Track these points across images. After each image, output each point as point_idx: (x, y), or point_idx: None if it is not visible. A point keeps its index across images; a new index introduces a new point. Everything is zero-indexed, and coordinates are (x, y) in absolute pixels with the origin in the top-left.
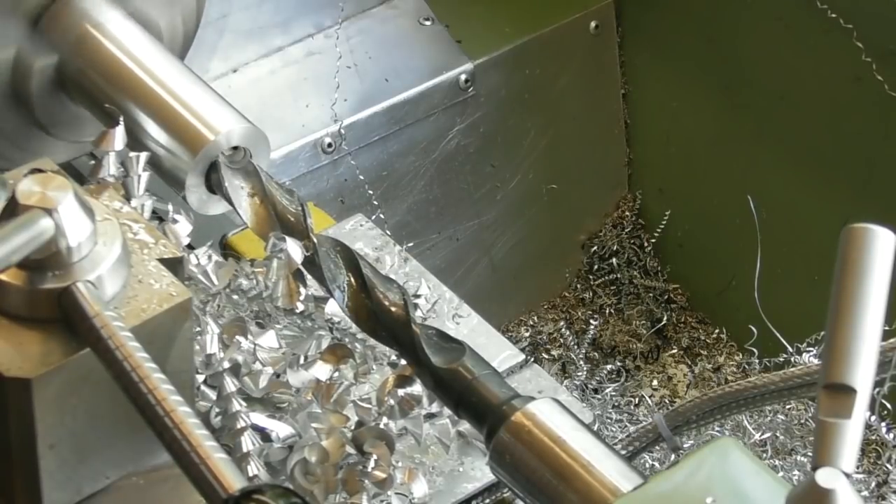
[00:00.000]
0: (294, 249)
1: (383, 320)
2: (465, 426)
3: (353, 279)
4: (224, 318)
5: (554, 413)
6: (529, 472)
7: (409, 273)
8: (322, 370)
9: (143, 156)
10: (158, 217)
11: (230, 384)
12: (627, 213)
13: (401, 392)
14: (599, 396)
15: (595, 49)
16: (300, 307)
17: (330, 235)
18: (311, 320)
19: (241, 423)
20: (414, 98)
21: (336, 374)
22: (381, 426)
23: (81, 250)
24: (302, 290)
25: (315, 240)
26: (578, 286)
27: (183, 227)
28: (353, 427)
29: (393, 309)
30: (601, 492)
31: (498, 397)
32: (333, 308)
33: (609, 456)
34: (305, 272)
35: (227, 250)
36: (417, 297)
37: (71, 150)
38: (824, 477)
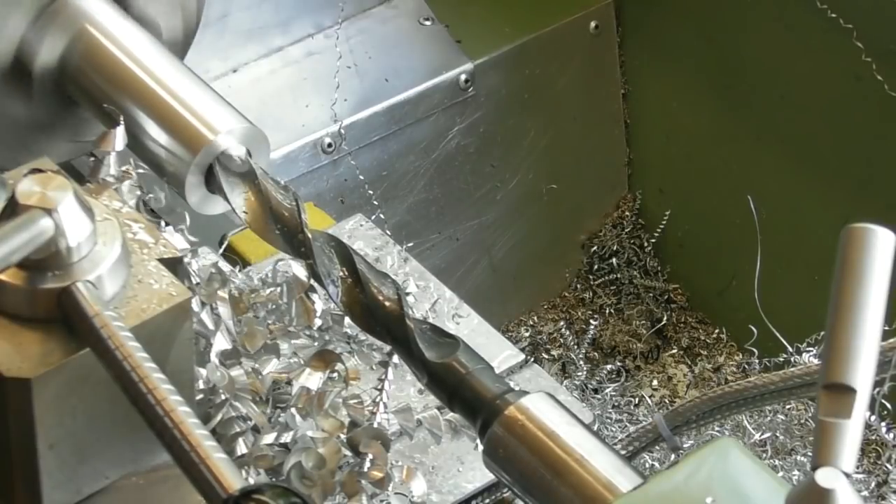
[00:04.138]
0: (299, 271)
1: (377, 315)
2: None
3: (347, 274)
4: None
5: (548, 407)
6: (523, 466)
7: (410, 273)
8: (312, 379)
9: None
10: (152, 209)
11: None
12: (627, 213)
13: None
14: (599, 396)
15: (595, 49)
16: (318, 322)
17: None
18: (329, 333)
19: (238, 427)
20: (414, 98)
21: (332, 376)
22: (375, 425)
23: (81, 250)
24: (317, 307)
25: (309, 235)
26: (578, 286)
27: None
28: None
29: (387, 304)
30: (595, 486)
31: (491, 391)
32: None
33: (603, 451)
34: (316, 285)
35: (227, 251)
36: (406, 295)
37: (71, 150)
38: (824, 477)
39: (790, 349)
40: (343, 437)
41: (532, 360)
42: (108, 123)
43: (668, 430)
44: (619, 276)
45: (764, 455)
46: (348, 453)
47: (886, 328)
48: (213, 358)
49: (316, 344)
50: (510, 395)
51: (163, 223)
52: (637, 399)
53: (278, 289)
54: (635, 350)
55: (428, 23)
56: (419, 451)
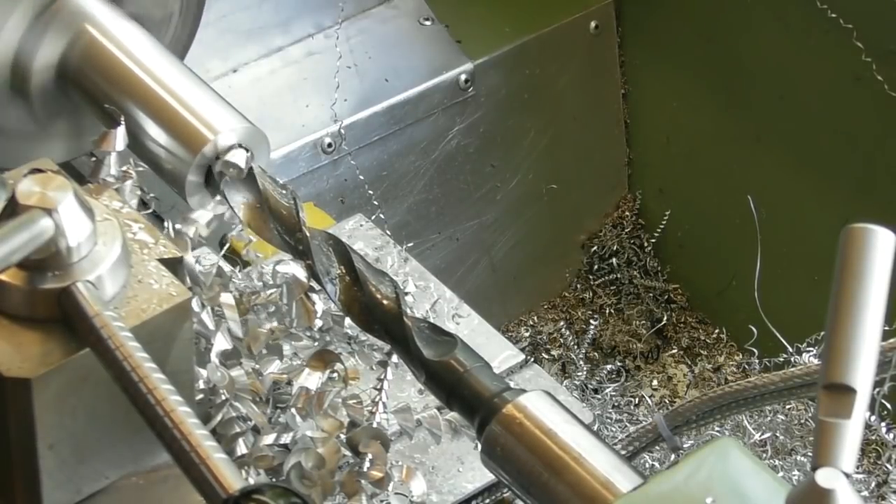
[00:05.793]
0: (299, 272)
1: (376, 314)
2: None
3: (345, 272)
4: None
5: (545, 406)
6: (520, 464)
7: (409, 273)
8: (311, 379)
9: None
10: (154, 213)
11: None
12: (627, 213)
13: None
14: (599, 396)
15: (595, 49)
16: (318, 323)
17: None
18: (329, 334)
19: (238, 428)
20: (414, 98)
21: (332, 376)
22: (375, 425)
23: (81, 250)
24: (318, 307)
25: (307, 233)
26: (578, 286)
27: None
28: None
29: (385, 302)
30: (592, 484)
31: (489, 389)
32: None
33: (601, 449)
34: (315, 285)
35: (228, 251)
36: (404, 294)
37: (71, 150)
38: (824, 477)
39: (790, 349)
40: (343, 437)
41: (532, 360)
42: (108, 123)
43: (668, 430)
44: (619, 276)
45: (764, 455)
46: (348, 453)
47: (886, 328)
48: (214, 358)
49: (316, 345)
50: (508, 392)
51: (168, 225)
52: (637, 399)
53: (278, 290)
54: (635, 350)
55: (428, 23)
56: (419, 451)
